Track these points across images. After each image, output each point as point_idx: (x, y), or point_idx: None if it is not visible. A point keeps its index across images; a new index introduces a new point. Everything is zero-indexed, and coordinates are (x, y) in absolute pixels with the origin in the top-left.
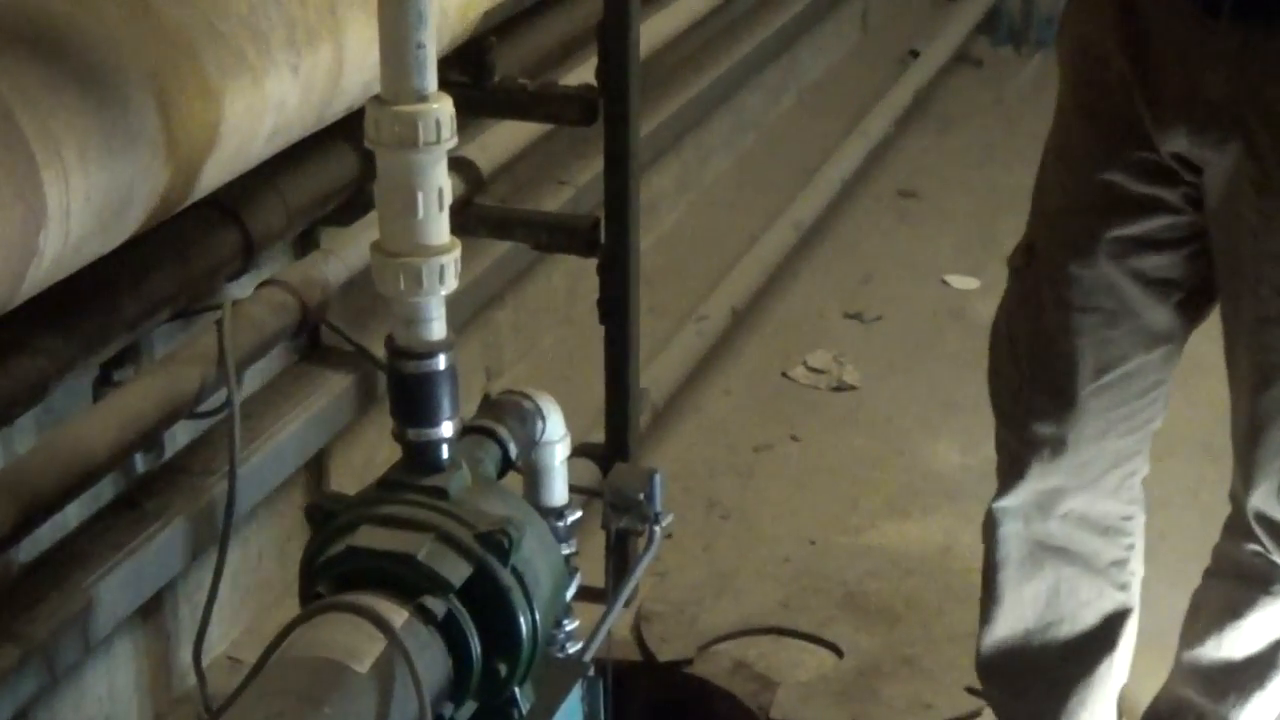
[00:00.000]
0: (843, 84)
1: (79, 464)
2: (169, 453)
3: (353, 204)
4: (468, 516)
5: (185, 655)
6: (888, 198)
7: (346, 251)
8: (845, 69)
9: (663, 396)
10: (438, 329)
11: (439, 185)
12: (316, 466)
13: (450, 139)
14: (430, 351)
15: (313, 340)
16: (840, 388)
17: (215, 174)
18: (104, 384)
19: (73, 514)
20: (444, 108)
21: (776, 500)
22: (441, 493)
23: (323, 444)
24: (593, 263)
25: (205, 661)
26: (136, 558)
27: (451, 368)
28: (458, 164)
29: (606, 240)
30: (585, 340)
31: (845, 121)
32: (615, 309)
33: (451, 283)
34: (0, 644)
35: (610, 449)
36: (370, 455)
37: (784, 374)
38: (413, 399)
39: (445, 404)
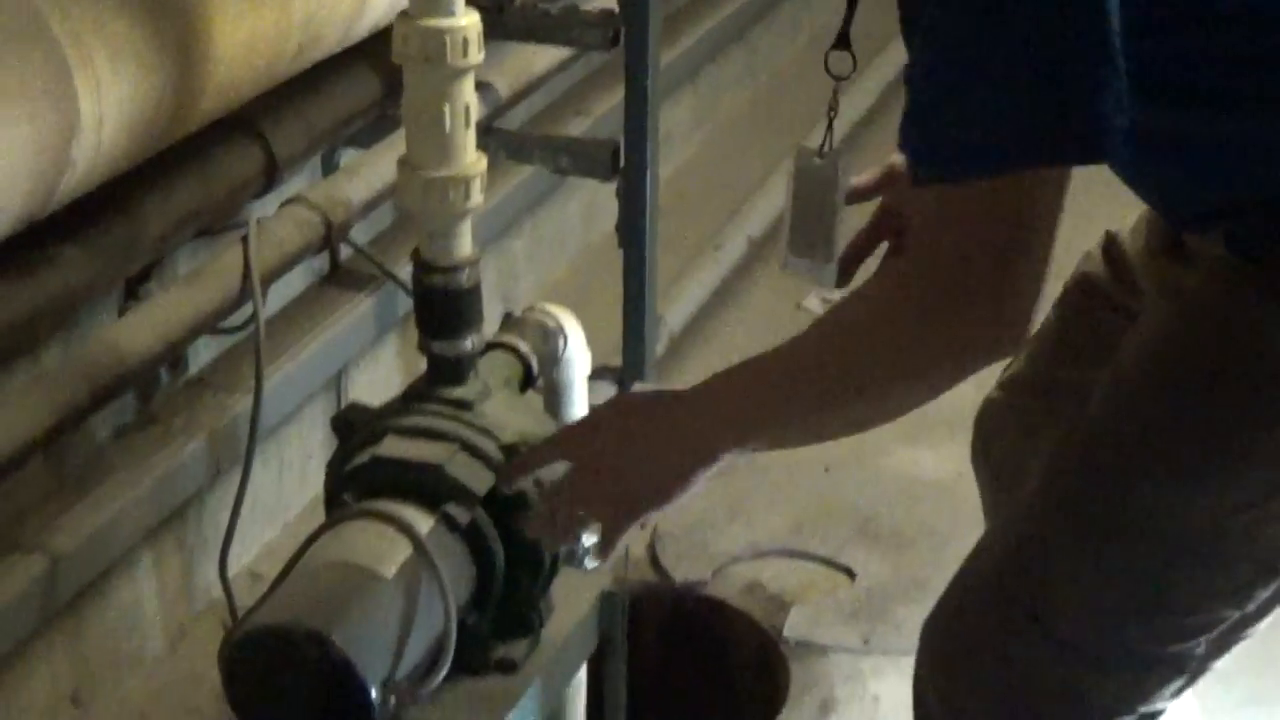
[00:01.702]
0: (855, 25)
1: (109, 373)
2: (191, 369)
3: (374, 127)
4: (492, 428)
5: (207, 570)
6: (895, 135)
7: (369, 172)
8: (859, 10)
9: (680, 324)
10: (463, 244)
11: (466, 102)
12: (336, 387)
13: (478, 56)
14: (456, 266)
15: (333, 263)
16: None
17: (242, 90)
18: (130, 300)
19: (98, 428)
20: (472, 25)
21: None
22: (466, 405)
23: (342, 364)
24: (608, 191)
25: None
26: (160, 473)
27: (476, 283)
28: (477, 87)
29: (626, 164)
30: (601, 269)
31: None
32: (634, 234)
33: (477, 198)
34: (28, 554)
35: (627, 373)
36: (388, 377)
37: (798, 305)
38: (438, 312)
39: (470, 318)
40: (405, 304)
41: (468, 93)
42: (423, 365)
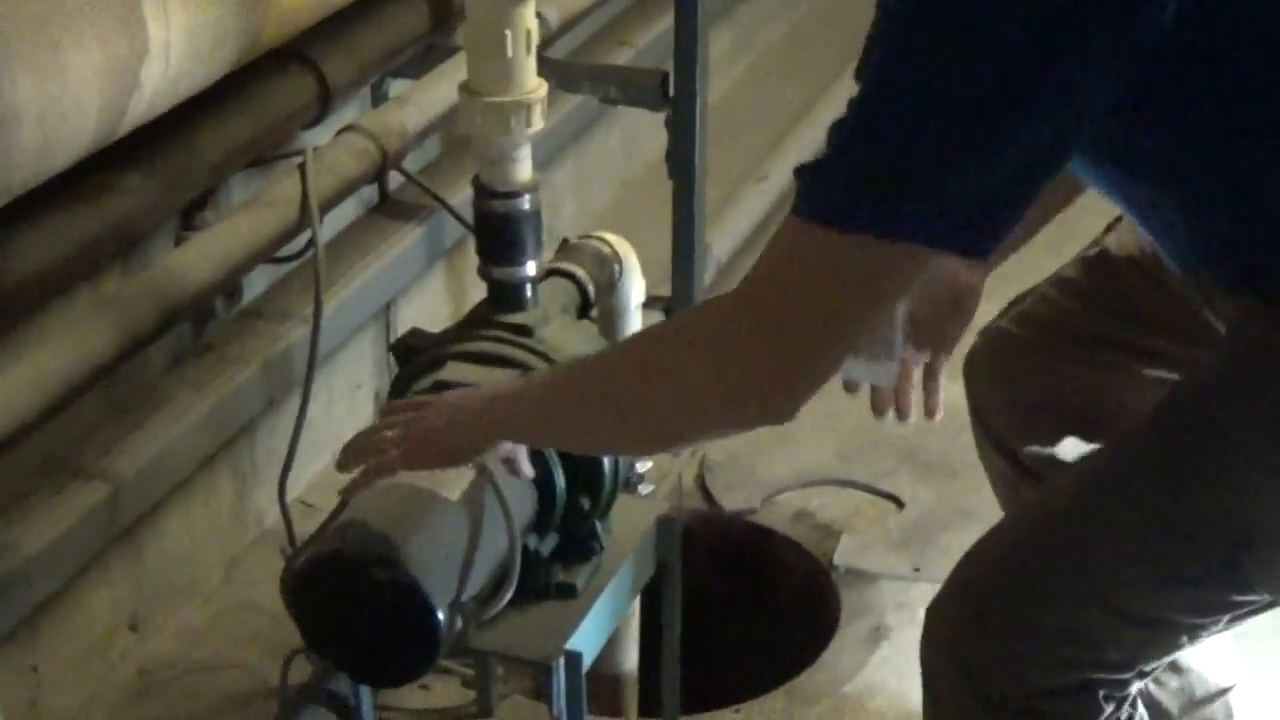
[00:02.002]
0: None
1: (173, 298)
2: (245, 299)
3: (422, 58)
4: (551, 353)
5: (259, 498)
6: None
7: (421, 101)
8: None
9: (726, 253)
10: (523, 169)
11: (527, 27)
12: (385, 317)
13: None
14: (517, 191)
15: (381, 193)
16: None
17: (300, 19)
18: (186, 229)
19: (154, 355)
20: None
21: None
22: (526, 330)
23: (393, 294)
24: (649, 122)
25: (276, 505)
26: (216, 400)
27: (537, 208)
28: None
29: (675, 93)
30: (643, 199)
31: None
32: (683, 162)
33: (538, 123)
34: (89, 480)
35: (676, 302)
36: (435, 307)
37: None
38: (499, 238)
39: (530, 243)
40: (453, 234)
41: (529, 18)
42: (469, 296)
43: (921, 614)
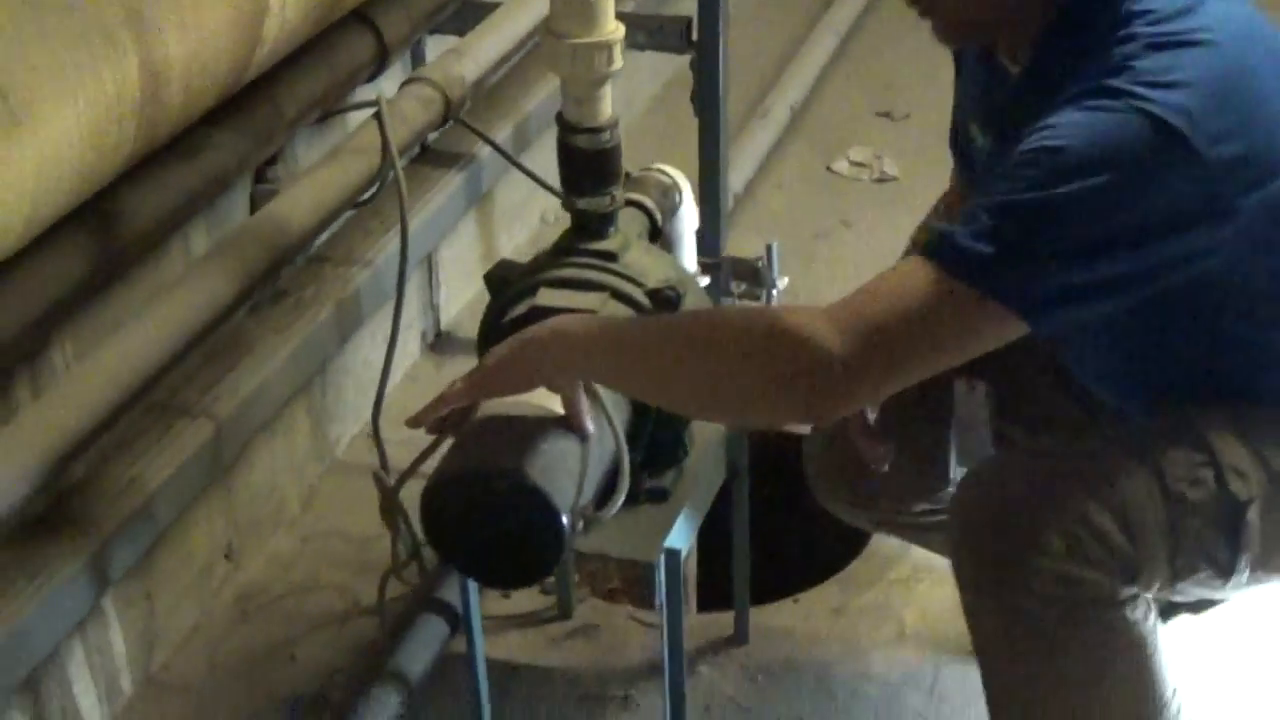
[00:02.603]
0: None
1: (281, 243)
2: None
3: (457, 15)
4: (637, 276)
5: (330, 432)
6: (897, 13)
7: (475, 52)
8: None
9: (740, 185)
10: (605, 106)
11: None
12: (428, 262)
13: None
14: (600, 127)
15: (421, 146)
16: (883, 179)
17: None
18: (260, 182)
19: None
20: None
21: (839, 279)
22: (612, 256)
23: (439, 240)
24: (645, 72)
25: (346, 438)
26: (298, 342)
27: (617, 143)
28: None
29: (699, 37)
30: (643, 141)
31: None
32: (709, 101)
33: (619, 62)
34: (194, 419)
35: (707, 228)
36: (469, 253)
37: (828, 168)
38: (584, 171)
39: (612, 175)
40: (488, 181)
41: None
42: (498, 240)
43: None
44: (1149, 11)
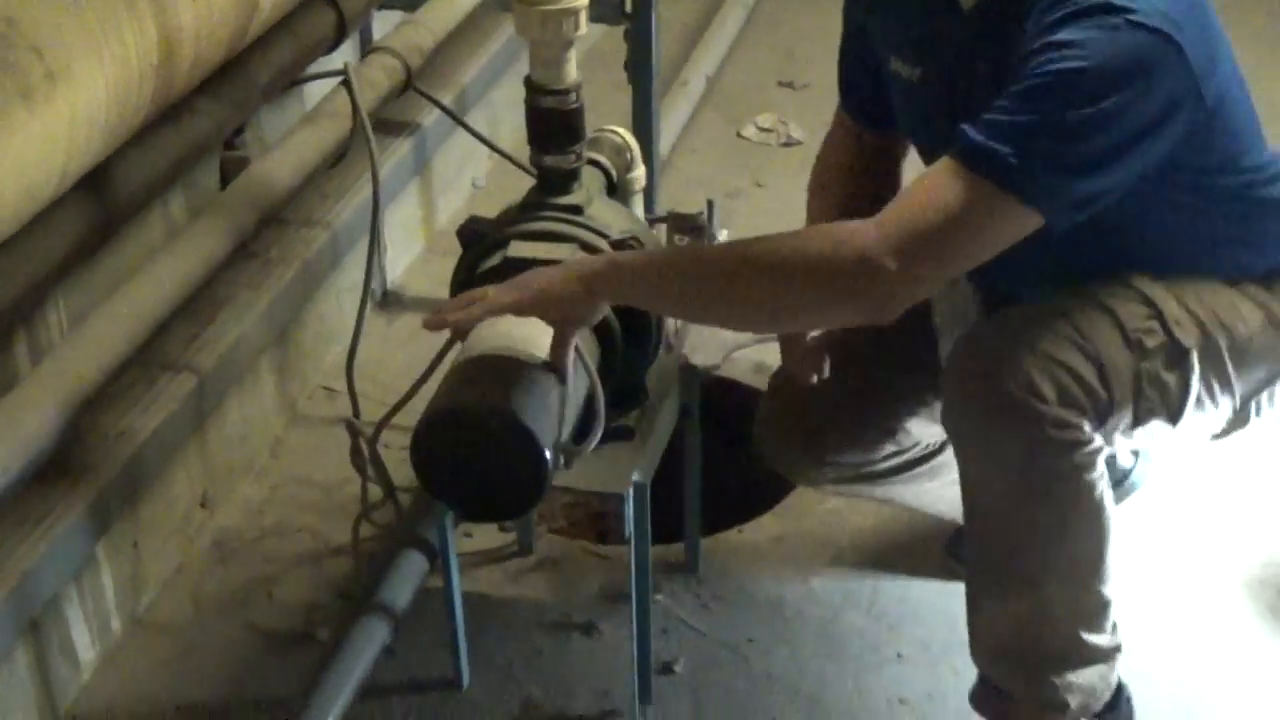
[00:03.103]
0: None
1: (267, 202)
2: None
3: None
4: (601, 228)
5: (293, 387)
6: None
7: (431, 23)
8: None
9: (665, 149)
10: (571, 70)
11: None
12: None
13: None
14: (566, 89)
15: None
16: (789, 143)
17: None
18: (229, 149)
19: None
20: None
21: (757, 231)
22: (577, 209)
23: (387, 203)
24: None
25: (306, 391)
26: (269, 298)
27: (581, 104)
28: None
29: (633, 10)
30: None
31: None
32: (641, 70)
33: (584, 28)
34: (179, 373)
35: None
36: (412, 215)
37: (738, 134)
38: (551, 131)
39: (577, 134)
40: (430, 148)
41: None
42: (436, 205)
43: None
44: None
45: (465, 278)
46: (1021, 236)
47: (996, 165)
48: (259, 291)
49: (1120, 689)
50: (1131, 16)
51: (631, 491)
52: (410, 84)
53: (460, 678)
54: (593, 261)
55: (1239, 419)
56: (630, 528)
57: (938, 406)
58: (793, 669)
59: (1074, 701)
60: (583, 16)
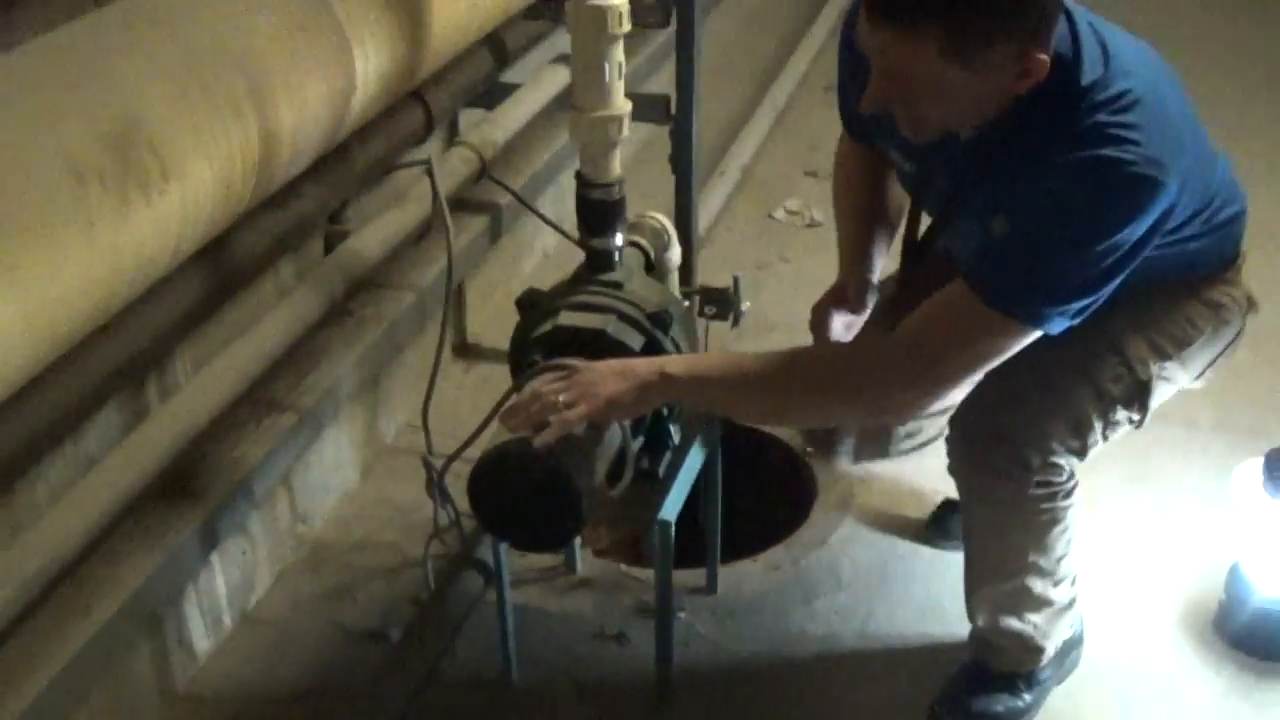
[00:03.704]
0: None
1: (356, 271)
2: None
3: (488, 92)
4: (639, 301)
5: (381, 423)
6: (819, 91)
7: (504, 123)
8: None
9: (702, 228)
10: (615, 166)
11: (619, 60)
12: (459, 288)
13: (628, 25)
14: (610, 183)
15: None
16: (811, 224)
17: (444, 58)
18: (333, 223)
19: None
20: (623, 2)
21: (780, 303)
22: (618, 285)
23: (467, 269)
24: (639, 136)
25: (394, 427)
26: (362, 351)
27: (623, 195)
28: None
29: (676, 112)
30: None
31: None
32: (683, 162)
33: (625, 131)
34: (283, 412)
35: (684, 261)
36: (492, 279)
37: (769, 215)
38: (597, 217)
39: (619, 220)
40: (505, 224)
41: (619, 53)
42: (514, 273)
43: (876, 484)
44: (1094, 84)
45: (522, 339)
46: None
47: (1009, 299)
48: (353, 345)
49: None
50: (1128, 169)
51: (657, 528)
52: (485, 173)
53: (510, 674)
54: (649, 373)
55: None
56: (655, 557)
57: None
58: (793, 678)
59: (1045, 642)
60: (625, 122)
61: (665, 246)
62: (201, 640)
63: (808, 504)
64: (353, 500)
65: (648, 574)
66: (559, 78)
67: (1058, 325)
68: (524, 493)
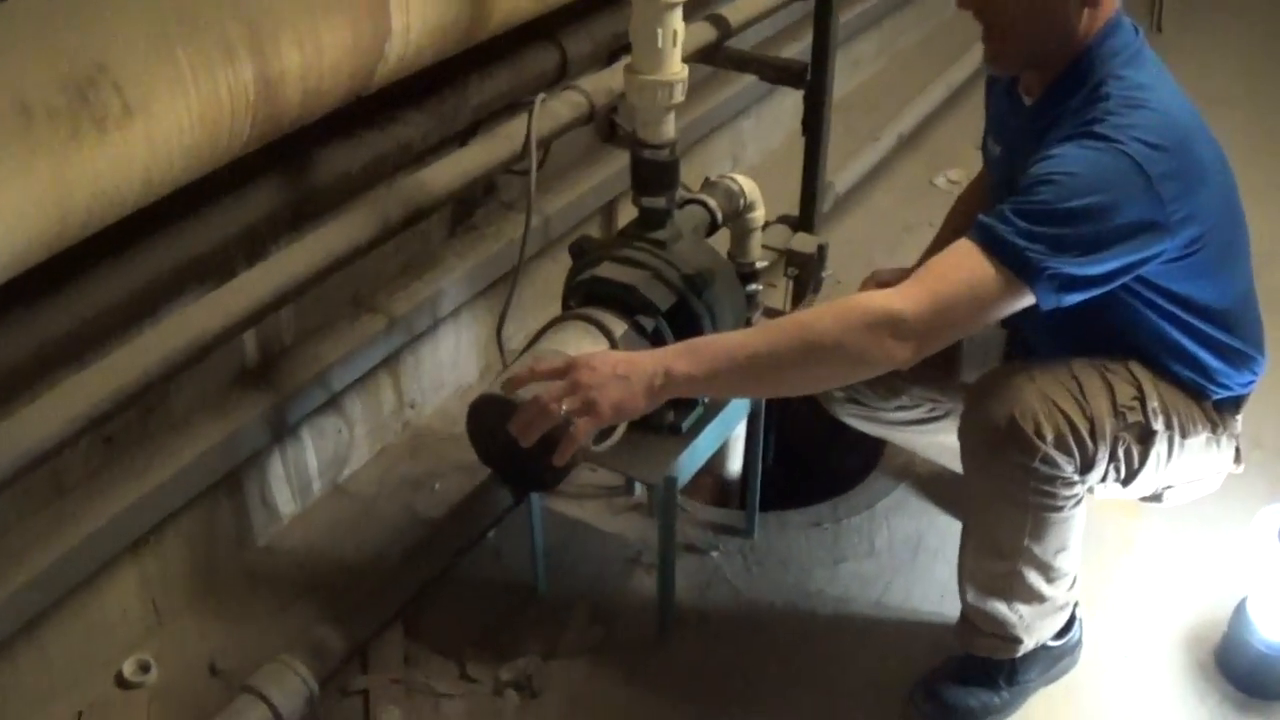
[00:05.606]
0: None
1: (417, 201)
2: (504, 196)
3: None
4: (677, 263)
5: (511, 328)
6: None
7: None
8: None
9: (844, 188)
10: (668, 129)
11: (674, 28)
12: (607, 214)
13: None
14: (661, 144)
15: (612, 130)
16: None
17: (524, 11)
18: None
19: (434, 229)
20: None
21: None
22: (661, 244)
23: (607, 199)
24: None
25: (520, 336)
26: (473, 264)
27: (675, 157)
28: (715, 18)
29: (811, 78)
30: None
31: None
32: (813, 123)
33: (679, 97)
34: (374, 314)
35: (801, 221)
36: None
37: (930, 181)
38: (647, 176)
39: (669, 181)
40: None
41: (676, 21)
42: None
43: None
44: (1120, 77)
45: (570, 284)
46: (1013, 311)
47: (1004, 247)
48: (464, 258)
49: (1072, 621)
50: (1119, 145)
51: (662, 484)
52: (593, 117)
53: (538, 585)
54: (653, 373)
55: (1154, 496)
56: (659, 510)
57: (940, 388)
58: (793, 637)
59: (1025, 635)
60: (678, 88)
61: (741, 209)
62: (287, 504)
63: (865, 465)
64: (464, 396)
65: (701, 508)
66: (695, 36)
67: (1043, 289)
68: (510, 439)
